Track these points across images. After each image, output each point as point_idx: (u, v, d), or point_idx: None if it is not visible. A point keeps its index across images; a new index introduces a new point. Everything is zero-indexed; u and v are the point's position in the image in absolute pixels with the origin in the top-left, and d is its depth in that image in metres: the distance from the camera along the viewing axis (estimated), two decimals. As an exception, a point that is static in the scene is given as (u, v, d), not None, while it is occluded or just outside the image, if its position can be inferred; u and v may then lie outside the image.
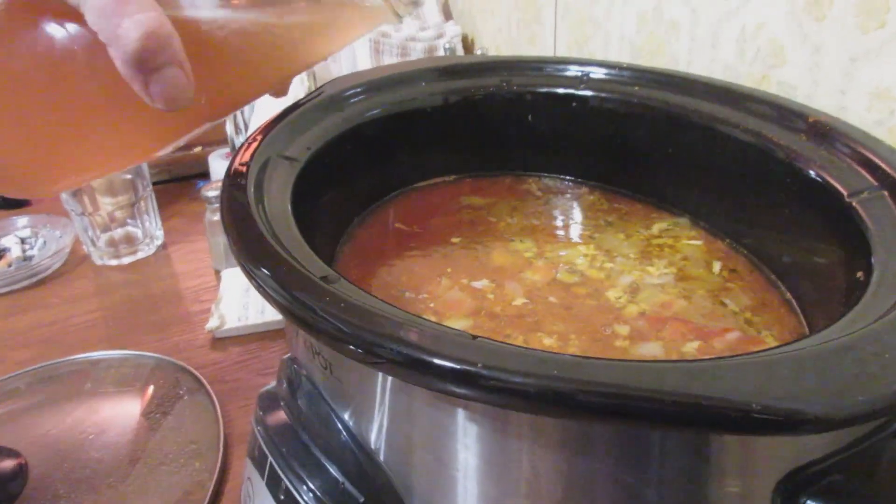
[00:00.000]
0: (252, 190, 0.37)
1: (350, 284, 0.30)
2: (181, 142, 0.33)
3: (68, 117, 0.28)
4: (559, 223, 0.50)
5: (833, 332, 0.28)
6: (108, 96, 0.28)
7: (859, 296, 0.30)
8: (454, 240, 0.47)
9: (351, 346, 0.26)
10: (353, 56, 0.91)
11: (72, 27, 0.26)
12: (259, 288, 0.30)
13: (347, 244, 0.47)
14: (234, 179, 0.37)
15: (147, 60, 0.25)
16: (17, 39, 0.26)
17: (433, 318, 0.39)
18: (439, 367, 0.24)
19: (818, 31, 0.45)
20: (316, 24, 0.33)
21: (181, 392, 0.56)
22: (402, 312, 0.27)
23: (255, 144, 0.41)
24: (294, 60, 0.34)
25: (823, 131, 0.40)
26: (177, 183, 0.92)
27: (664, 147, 0.49)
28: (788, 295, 0.41)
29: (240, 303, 0.65)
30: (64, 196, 0.72)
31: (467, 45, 0.94)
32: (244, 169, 0.39)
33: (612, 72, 0.51)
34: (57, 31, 0.26)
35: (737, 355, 0.26)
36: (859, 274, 0.33)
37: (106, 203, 0.73)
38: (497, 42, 0.87)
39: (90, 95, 0.28)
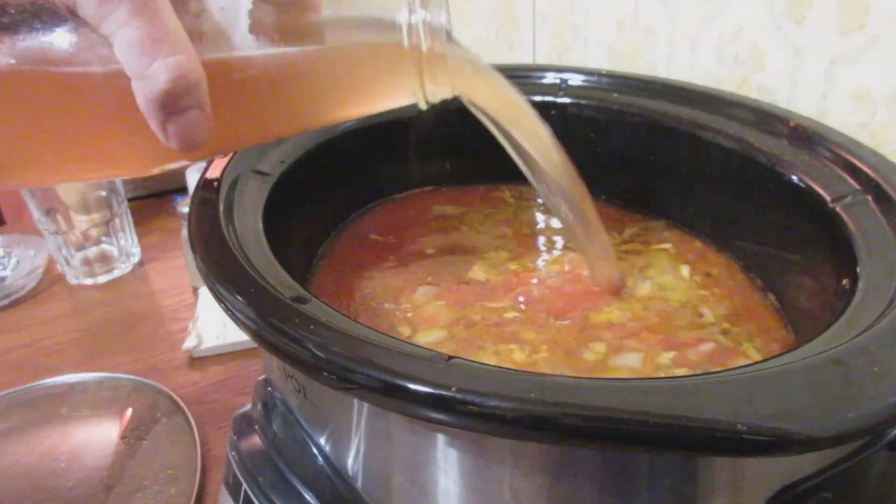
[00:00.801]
0: (222, 207, 0.36)
1: (322, 304, 0.29)
2: (177, 165, 0.33)
3: (72, 124, 0.28)
4: (533, 231, 0.49)
5: (819, 344, 0.27)
6: (118, 115, 0.27)
7: (845, 305, 0.30)
8: (429, 250, 0.46)
9: (321, 371, 0.25)
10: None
11: (97, 47, 0.26)
12: (227, 311, 0.29)
13: (325, 257, 0.46)
14: (203, 196, 0.36)
15: (170, 104, 0.25)
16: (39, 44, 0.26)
17: (408, 330, 0.38)
18: (413, 392, 0.23)
19: (798, 34, 0.44)
20: (339, 85, 0.33)
21: (158, 415, 0.55)
22: (374, 333, 0.26)
23: (226, 159, 0.40)
24: (311, 116, 0.34)
25: (805, 135, 0.39)
26: (154, 198, 0.90)
27: (645, 154, 0.48)
28: (776, 303, 0.40)
29: (218, 321, 0.63)
30: (37, 215, 0.70)
31: (447, 53, 0.93)
32: (214, 185, 0.37)
33: (591, 79, 0.50)
34: (78, 46, 0.26)
35: (723, 370, 0.25)
36: (845, 282, 0.32)
37: (80, 221, 0.72)
38: (474, 51, 0.86)
39: (100, 110, 0.28)
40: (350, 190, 0.50)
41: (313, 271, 0.44)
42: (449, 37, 0.33)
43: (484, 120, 0.37)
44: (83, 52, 0.26)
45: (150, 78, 0.24)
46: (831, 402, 0.23)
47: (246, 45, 0.29)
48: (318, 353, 0.25)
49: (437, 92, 0.34)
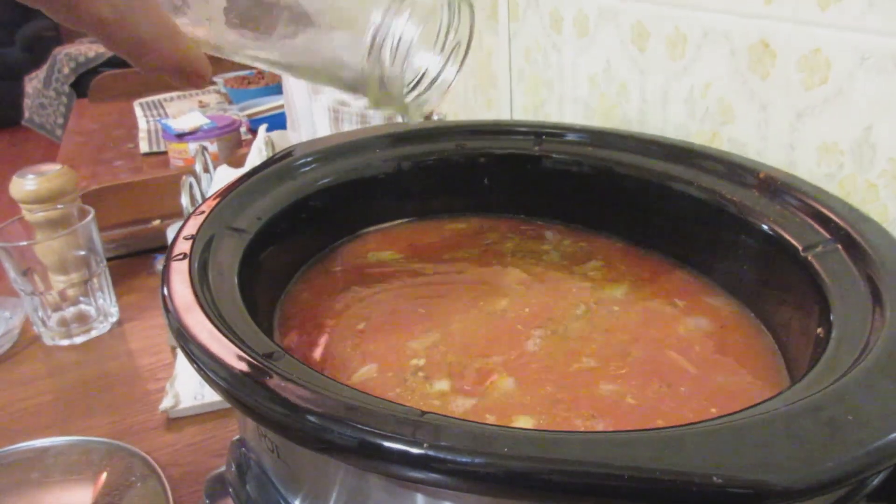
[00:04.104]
0: (196, 264, 0.35)
1: (294, 361, 0.28)
2: None
3: None
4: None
5: (796, 392, 0.27)
6: None
7: (820, 353, 0.30)
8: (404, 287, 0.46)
9: (291, 431, 0.24)
10: (313, 124, 0.91)
11: None
12: (200, 371, 0.28)
13: (299, 283, 0.47)
14: (177, 254, 0.36)
15: None
16: None
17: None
18: (383, 449, 0.22)
19: (764, 88, 0.46)
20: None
21: (133, 479, 0.53)
22: (346, 389, 0.26)
23: (201, 217, 0.40)
24: None
25: (775, 186, 0.40)
26: (134, 257, 0.90)
27: (619, 205, 0.48)
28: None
29: (196, 380, 0.62)
30: (13, 275, 0.69)
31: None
32: (188, 243, 0.37)
33: (566, 133, 0.51)
34: None
35: (699, 422, 0.25)
36: (819, 330, 0.32)
37: (58, 281, 0.71)
38: (455, 108, 0.88)
39: None
40: (323, 237, 0.50)
41: (287, 298, 0.45)
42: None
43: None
44: None
45: None
46: (809, 451, 0.23)
47: None
48: (289, 413, 0.24)
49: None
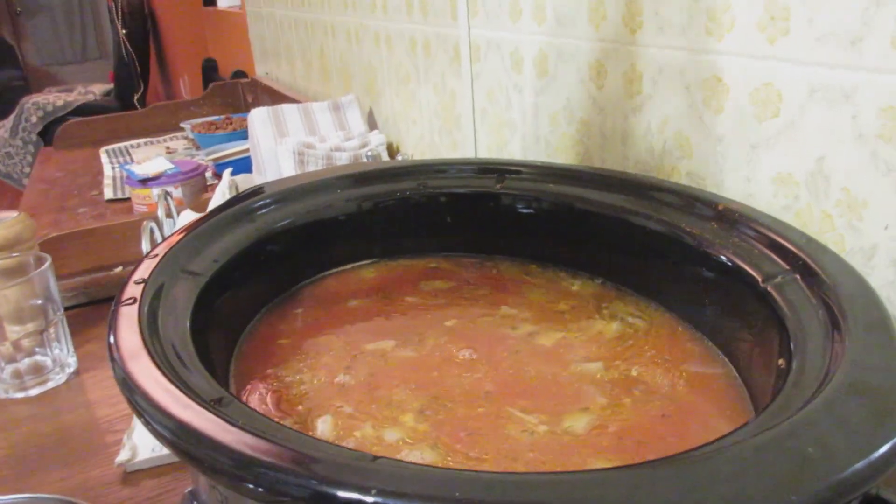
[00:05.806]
0: (145, 309, 0.34)
1: (243, 406, 0.27)
2: None
3: None
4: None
5: (759, 424, 0.26)
6: None
7: (782, 384, 0.29)
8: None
9: (235, 482, 0.23)
10: (278, 167, 0.90)
11: None
12: (143, 421, 0.27)
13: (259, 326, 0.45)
14: (125, 299, 0.35)
15: None
16: None
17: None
18: (333, 497, 0.21)
19: (719, 122, 0.46)
20: None
21: (86, 537, 0.51)
22: (295, 434, 0.25)
23: (155, 260, 0.39)
24: None
25: (733, 218, 0.40)
26: (96, 306, 0.87)
27: (583, 239, 0.48)
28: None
29: (156, 431, 0.60)
30: (-35, 327, 0.67)
31: (392, 153, 0.95)
32: (139, 287, 0.36)
33: (527, 170, 0.51)
34: None
35: (664, 458, 0.24)
36: (780, 361, 0.32)
37: (13, 332, 0.69)
38: (420, 149, 0.88)
39: None
40: (282, 280, 0.49)
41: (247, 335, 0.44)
42: None
43: None
44: None
45: None
46: (773, 486, 0.22)
47: None
48: (232, 463, 0.23)
49: None
